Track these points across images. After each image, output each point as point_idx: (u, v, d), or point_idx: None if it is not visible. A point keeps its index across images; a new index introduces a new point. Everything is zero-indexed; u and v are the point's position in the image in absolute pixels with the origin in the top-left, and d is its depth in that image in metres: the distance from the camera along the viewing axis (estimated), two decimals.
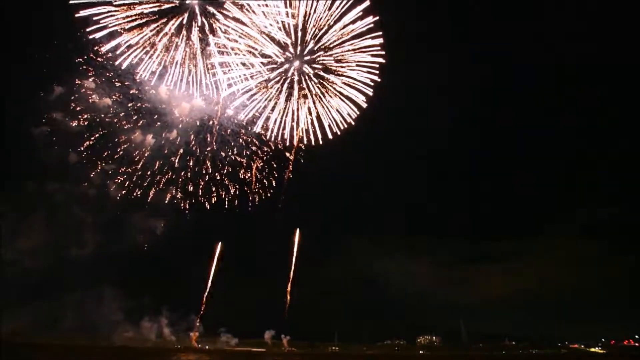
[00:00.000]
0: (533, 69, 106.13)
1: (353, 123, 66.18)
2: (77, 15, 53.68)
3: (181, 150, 68.36)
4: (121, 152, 66.19)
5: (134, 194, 67.66)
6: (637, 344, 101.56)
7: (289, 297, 72.32)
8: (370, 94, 64.98)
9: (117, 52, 56.09)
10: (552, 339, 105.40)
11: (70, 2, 53.59)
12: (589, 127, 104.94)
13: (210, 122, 66.67)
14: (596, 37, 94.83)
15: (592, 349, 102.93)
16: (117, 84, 62.38)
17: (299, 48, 61.33)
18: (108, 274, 68.44)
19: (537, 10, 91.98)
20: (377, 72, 63.54)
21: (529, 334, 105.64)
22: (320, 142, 67.05)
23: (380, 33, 62.10)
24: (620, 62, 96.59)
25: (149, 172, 67.84)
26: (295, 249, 73.78)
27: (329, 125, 66.68)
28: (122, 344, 70.82)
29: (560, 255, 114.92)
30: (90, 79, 61.81)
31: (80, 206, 66.33)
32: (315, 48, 62.00)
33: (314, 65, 63.42)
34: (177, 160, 68.64)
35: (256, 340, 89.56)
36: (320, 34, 61.28)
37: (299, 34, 60.34)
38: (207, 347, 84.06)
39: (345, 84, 65.23)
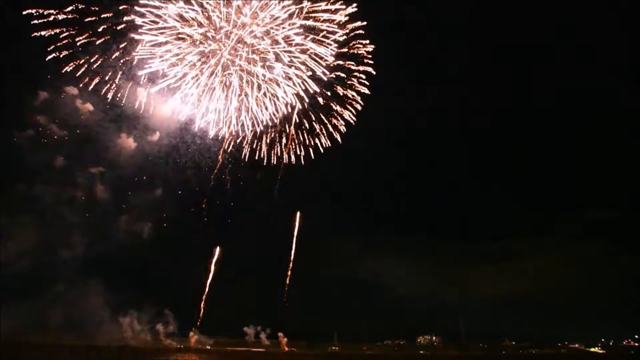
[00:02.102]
0: (531, 69, 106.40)
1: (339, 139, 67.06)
2: (33, 35, 54.80)
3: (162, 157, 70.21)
4: (105, 156, 68.92)
5: (120, 197, 70.49)
6: (637, 344, 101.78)
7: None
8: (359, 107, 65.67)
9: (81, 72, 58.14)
10: (552, 339, 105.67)
11: (33, 22, 54.46)
12: (589, 127, 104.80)
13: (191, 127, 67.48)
14: (596, 38, 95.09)
15: (592, 349, 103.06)
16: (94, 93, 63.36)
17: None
18: (97, 274, 68.69)
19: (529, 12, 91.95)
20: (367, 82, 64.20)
21: (529, 334, 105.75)
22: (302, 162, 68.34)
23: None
24: (619, 62, 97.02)
25: (132, 175, 70.16)
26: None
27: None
28: (117, 344, 71.08)
29: (560, 255, 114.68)
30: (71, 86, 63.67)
31: (68, 208, 67.33)
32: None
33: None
34: (160, 163, 70.45)
35: (235, 340, 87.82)
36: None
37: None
38: (207, 347, 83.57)
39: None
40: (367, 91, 64.68)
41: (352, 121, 66.62)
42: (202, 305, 72.60)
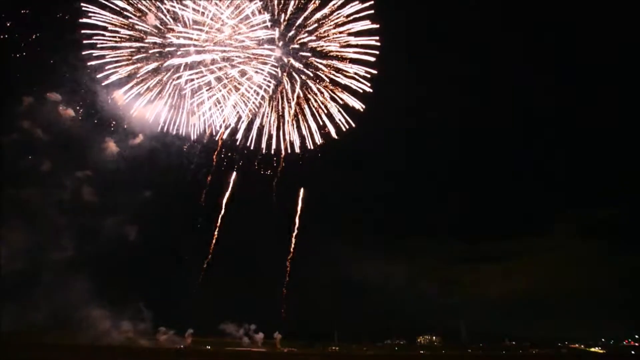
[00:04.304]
0: (531, 68, 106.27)
1: (344, 128, 67.18)
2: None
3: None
4: (90, 160, 71.47)
5: (105, 200, 72.45)
6: (637, 344, 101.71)
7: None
8: (368, 89, 65.30)
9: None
10: (552, 339, 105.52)
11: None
12: (589, 127, 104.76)
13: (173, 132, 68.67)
14: (594, 36, 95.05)
15: (592, 349, 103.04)
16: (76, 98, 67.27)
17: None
18: (83, 276, 69.54)
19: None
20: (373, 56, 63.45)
21: (529, 334, 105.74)
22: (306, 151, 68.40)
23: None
24: (619, 62, 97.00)
25: (117, 179, 72.35)
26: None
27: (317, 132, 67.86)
28: (119, 344, 71.74)
29: (560, 255, 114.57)
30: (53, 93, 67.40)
31: (56, 211, 68.97)
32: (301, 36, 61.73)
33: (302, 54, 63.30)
34: (143, 166, 73.02)
35: (214, 340, 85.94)
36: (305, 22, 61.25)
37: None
38: (208, 347, 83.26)
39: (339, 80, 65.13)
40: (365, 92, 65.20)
41: (344, 124, 67.23)
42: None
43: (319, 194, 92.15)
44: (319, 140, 68.08)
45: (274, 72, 62.99)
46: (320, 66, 63.60)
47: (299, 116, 67.21)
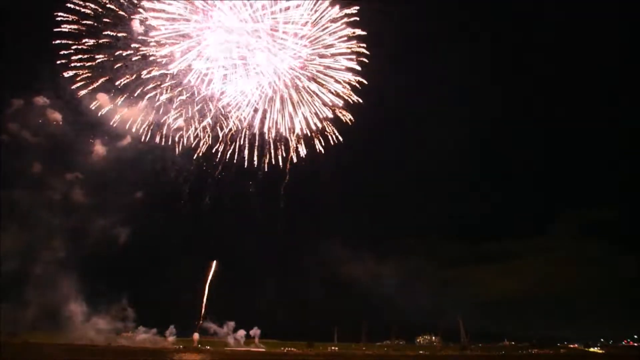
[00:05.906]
0: (532, 68, 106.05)
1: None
2: None
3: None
4: (78, 162, 71.28)
5: (95, 202, 72.38)
6: (636, 344, 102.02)
7: None
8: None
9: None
10: (552, 339, 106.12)
11: None
12: (588, 127, 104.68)
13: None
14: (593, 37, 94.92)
15: (592, 349, 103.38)
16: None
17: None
18: (74, 275, 70.49)
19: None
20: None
21: (528, 334, 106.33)
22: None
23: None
24: (619, 62, 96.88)
25: (106, 180, 72.04)
26: None
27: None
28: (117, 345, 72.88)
29: (560, 255, 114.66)
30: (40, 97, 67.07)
31: (47, 212, 69.28)
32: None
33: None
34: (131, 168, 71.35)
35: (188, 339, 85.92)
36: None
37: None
38: (207, 347, 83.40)
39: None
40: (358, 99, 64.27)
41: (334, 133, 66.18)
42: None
43: (320, 195, 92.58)
44: (303, 151, 66.80)
45: (259, 81, 61.49)
46: (307, 76, 62.49)
47: (288, 124, 66.00)
